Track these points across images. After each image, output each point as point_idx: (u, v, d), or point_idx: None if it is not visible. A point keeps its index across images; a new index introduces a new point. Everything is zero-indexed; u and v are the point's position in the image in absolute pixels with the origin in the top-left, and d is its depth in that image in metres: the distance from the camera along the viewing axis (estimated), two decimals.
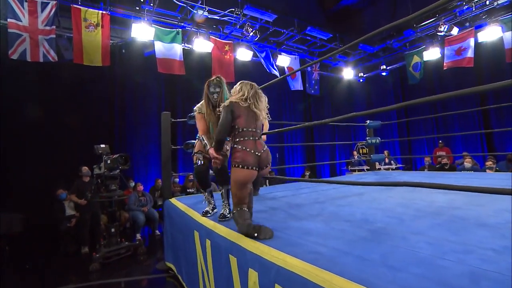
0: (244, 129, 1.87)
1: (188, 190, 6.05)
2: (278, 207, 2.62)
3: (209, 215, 2.41)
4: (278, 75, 8.03)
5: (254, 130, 1.90)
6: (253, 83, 2.01)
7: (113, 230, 4.16)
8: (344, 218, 2.05)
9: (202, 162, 2.45)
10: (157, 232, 5.45)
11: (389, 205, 2.40)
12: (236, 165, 1.79)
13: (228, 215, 2.18)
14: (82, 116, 6.24)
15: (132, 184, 6.17)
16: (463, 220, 1.79)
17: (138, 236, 5.00)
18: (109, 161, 4.18)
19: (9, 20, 4.70)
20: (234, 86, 2.03)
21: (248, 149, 1.82)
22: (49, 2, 5.01)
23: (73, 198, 4.87)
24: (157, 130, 7.20)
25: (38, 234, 5.36)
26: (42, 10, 4.97)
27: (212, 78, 2.38)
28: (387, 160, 7.87)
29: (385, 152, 8.25)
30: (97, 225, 4.76)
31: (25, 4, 4.83)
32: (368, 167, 6.03)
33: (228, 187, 2.25)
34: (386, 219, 1.94)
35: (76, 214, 4.93)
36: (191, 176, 6.01)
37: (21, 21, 4.79)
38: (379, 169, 6.96)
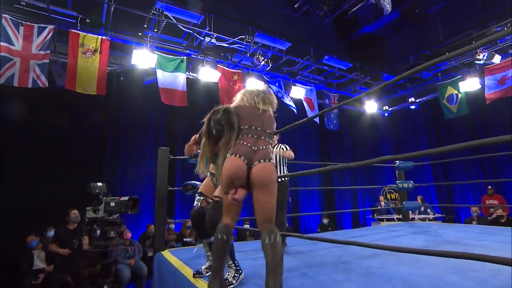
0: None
1: (185, 239, 5.81)
2: (292, 268, 2.40)
3: (202, 275, 2.20)
4: (294, 108, 8.10)
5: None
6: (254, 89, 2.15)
7: (105, 287, 3.92)
8: (379, 287, 1.82)
9: (199, 204, 2.31)
10: None
11: (437, 271, 2.16)
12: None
13: (234, 282, 1.88)
14: (68, 150, 6.18)
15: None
16: None
17: None
18: (112, 204, 4.02)
19: (1, 43, 4.92)
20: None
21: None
22: (46, 27, 5.29)
23: (53, 248, 4.49)
24: (153, 167, 7.14)
25: None
26: (38, 35, 5.23)
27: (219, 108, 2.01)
28: (422, 208, 7.48)
29: (419, 198, 7.89)
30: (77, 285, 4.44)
31: (21, 28, 5.11)
32: (399, 216, 5.72)
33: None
34: None
35: (46, 268, 4.62)
36: (190, 222, 5.79)
37: (13, 45, 5.01)
38: (413, 219, 6.59)
